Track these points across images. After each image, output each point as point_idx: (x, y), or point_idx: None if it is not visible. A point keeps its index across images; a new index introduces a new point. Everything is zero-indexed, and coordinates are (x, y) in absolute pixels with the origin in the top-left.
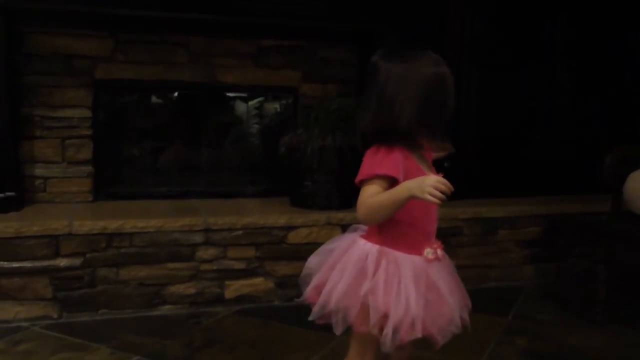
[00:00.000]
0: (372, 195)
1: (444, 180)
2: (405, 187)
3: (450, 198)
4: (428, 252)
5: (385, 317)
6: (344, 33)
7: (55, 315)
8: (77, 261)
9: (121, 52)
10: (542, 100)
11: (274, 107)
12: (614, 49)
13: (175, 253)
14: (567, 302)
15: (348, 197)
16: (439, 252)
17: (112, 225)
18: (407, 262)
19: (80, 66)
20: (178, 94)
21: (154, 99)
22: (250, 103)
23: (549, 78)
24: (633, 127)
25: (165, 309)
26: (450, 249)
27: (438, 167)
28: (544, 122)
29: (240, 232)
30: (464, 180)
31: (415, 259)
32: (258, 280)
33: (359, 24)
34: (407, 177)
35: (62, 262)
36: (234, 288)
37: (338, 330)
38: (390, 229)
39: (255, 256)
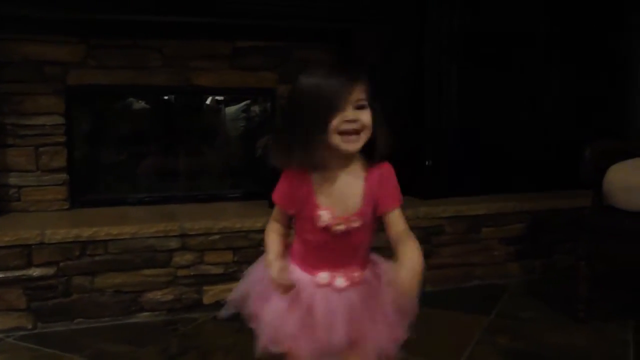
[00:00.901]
0: (273, 217)
1: (278, 279)
2: (267, 260)
3: (431, 196)
4: (322, 276)
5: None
6: (320, 33)
7: (29, 326)
8: (50, 270)
9: (93, 57)
10: (525, 96)
11: (252, 109)
12: (598, 44)
13: (151, 259)
14: (550, 300)
15: None
16: (341, 281)
17: (86, 232)
18: (294, 277)
19: (51, 73)
20: (153, 99)
21: (129, 104)
22: (228, 107)
23: (531, 74)
24: (615, 123)
25: (143, 316)
26: (432, 247)
27: (420, 166)
28: (526, 118)
29: (217, 237)
30: (445, 178)
31: (305, 277)
32: (236, 285)
33: (336, 24)
34: (298, 204)
35: (35, 272)
36: (212, 293)
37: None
38: (295, 244)
39: (233, 260)
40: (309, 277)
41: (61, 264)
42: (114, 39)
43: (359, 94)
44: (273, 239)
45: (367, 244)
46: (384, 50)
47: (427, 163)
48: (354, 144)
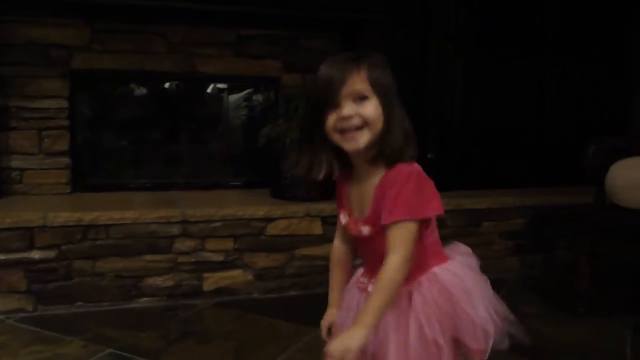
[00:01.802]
0: (338, 227)
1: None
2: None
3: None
4: (362, 280)
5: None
6: (326, 22)
7: (30, 308)
8: (51, 253)
9: (98, 41)
10: (529, 91)
11: (255, 97)
12: (605, 39)
13: (153, 245)
14: (550, 295)
15: (327, 188)
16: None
17: (88, 217)
18: (351, 286)
19: (56, 56)
20: (157, 85)
21: (133, 89)
22: (231, 95)
23: (536, 68)
24: (618, 120)
25: (143, 302)
26: None
27: (422, 158)
28: (531, 112)
29: (218, 224)
30: (448, 172)
31: (356, 275)
32: (237, 272)
33: (342, 13)
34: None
35: (36, 255)
36: (213, 280)
37: None
38: None
39: (233, 248)
40: (359, 277)
41: (63, 247)
42: (119, 23)
43: (357, 84)
44: (333, 279)
45: None
46: (389, 40)
47: (429, 156)
48: (354, 142)
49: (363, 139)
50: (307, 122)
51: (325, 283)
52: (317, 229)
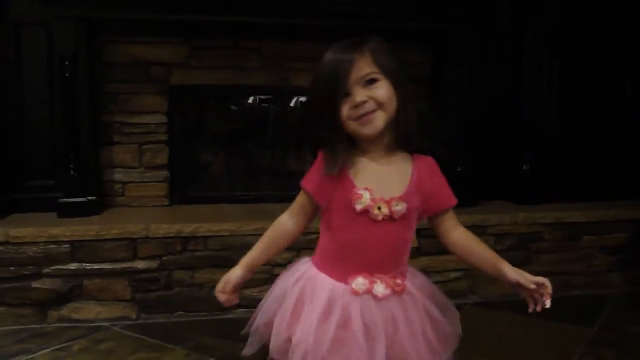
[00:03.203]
0: (292, 208)
1: (220, 290)
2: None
3: (528, 202)
4: (359, 282)
5: (289, 341)
6: (416, 34)
7: (133, 316)
8: (153, 264)
9: (195, 58)
10: (630, 97)
11: None
12: None
13: None
14: None
15: None
16: (381, 288)
17: (187, 228)
18: (325, 287)
19: (156, 73)
20: (252, 98)
21: (228, 103)
22: None
23: (636, 71)
24: None
25: (239, 312)
26: (529, 254)
27: (517, 170)
28: (630, 120)
29: (314, 236)
30: (544, 183)
31: (338, 286)
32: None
33: (432, 24)
34: (331, 193)
35: (139, 265)
36: None
37: (246, 349)
38: (324, 246)
39: None
40: (343, 285)
41: (164, 258)
42: (215, 39)
43: (364, 68)
44: (262, 240)
45: (408, 245)
46: (482, 50)
47: (524, 167)
48: (372, 126)
49: (379, 121)
50: (315, 116)
51: None
52: (412, 242)
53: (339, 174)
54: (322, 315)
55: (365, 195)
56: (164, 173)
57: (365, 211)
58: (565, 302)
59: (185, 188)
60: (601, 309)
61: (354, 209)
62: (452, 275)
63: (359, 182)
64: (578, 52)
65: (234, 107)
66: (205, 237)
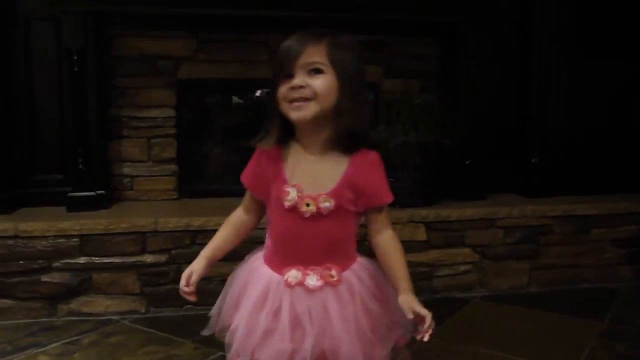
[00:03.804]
0: (242, 203)
1: (183, 284)
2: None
3: (537, 195)
4: (292, 274)
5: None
6: (426, 26)
7: (142, 310)
8: (162, 257)
9: (203, 51)
10: (637, 91)
11: None
12: None
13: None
14: None
15: (432, 194)
16: (314, 280)
17: (196, 222)
18: (263, 278)
19: (164, 67)
20: (259, 92)
21: (236, 97)
22: None
23: None
24: None
25: None
26: (538, 247)
27: (525, 163)
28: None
29: None
30: (553, 176)
31: (274, 278)
32: None
33: (442, 17)
34: (266, 185)
35: (148, 258)
36: None
37: (205, 330)
38: (267, 239)
39: None
40: (278, 277)
41: (172, 251)
42: (222, 33)
43: (313, 57)
44: (218, 233)
45: (345, 238)
46: (491, 43)
47: (532, 160)
48: (302, 113)
49: (309, 110)
50: (270, 94)
51: (429, 290)
52: (421, 235)
53: (275, 168)
54: (256, 305)
55: (292, 193)
56: (173, 167)
57: (294, 207)
58: (576, 295)
59: (193, 182)
60: (612, 302)
61: (284, 205)
62: (462, 268)
63: (292, 177)
64: (586, 50)
65: (241, 101)
66: (214, 231)
